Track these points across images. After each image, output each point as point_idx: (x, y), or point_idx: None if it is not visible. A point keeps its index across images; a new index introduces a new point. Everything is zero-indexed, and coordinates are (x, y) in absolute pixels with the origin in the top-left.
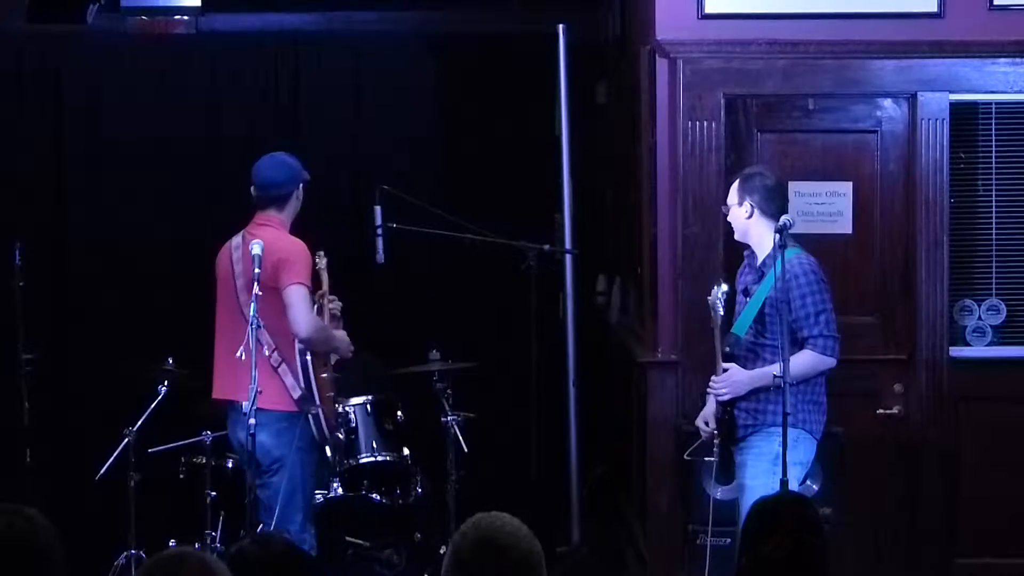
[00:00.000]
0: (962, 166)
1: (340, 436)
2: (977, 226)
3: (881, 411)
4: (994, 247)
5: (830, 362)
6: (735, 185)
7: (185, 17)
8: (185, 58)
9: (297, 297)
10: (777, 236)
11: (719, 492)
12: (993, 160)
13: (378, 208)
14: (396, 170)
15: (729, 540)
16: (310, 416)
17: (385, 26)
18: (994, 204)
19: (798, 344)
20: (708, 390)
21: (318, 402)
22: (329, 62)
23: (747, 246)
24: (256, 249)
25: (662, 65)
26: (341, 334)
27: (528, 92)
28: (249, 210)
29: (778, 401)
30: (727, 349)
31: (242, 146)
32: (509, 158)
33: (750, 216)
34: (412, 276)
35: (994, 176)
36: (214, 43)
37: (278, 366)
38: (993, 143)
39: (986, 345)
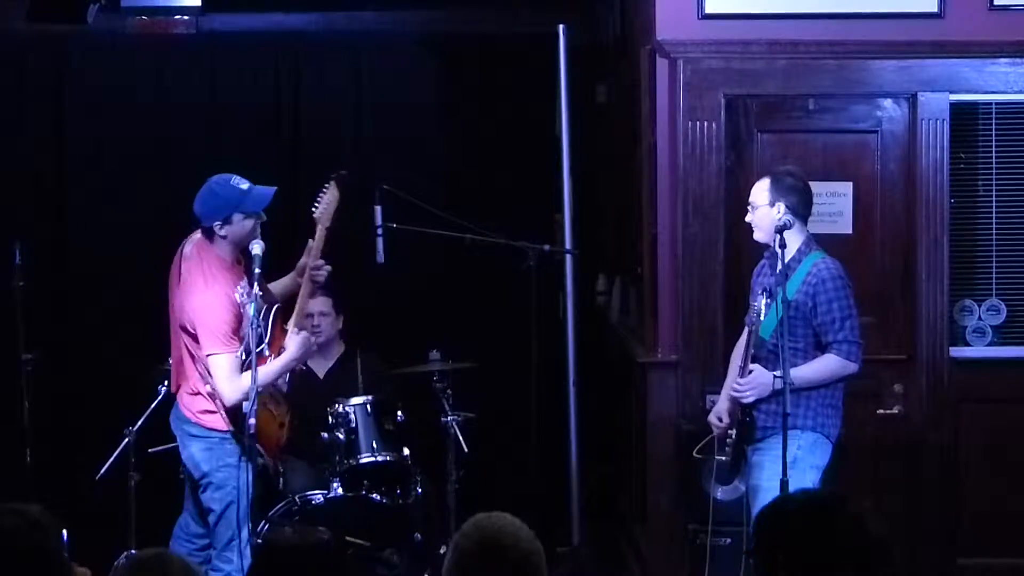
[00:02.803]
0: (962, 166)
1: (340, 436)
2: (977, 226)
3: (881, 411)
4: (994, 247)
5: (852, 367)
6: (764, 185)
7: (185, 17)
8: (185, 58)
9: (216, 368)
10: (777, 236)
11: (719, 492)
12: (993, 160)
13: (378, 208)
14: (396, 170)
15: (729, 540)
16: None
17: (385, 26)
18: (994, 204)
19: (821, 348)
20: (732, 392)
21: (255, 439)
22: (329, 62)
23: (767, 247)
24: (256, 249)
25: (662, 65)
26: (276, 366)
27: (528, 92)
28: None
29: (799, 404)
30: (751, 351)
31: (242, 146)
32: (509, 158)
33: (782, 216)
34: (412, 276)
35: (994, 176)
36: (214, 43)
37: (216, 398)
38: (993, 143)
39: (986, 345)
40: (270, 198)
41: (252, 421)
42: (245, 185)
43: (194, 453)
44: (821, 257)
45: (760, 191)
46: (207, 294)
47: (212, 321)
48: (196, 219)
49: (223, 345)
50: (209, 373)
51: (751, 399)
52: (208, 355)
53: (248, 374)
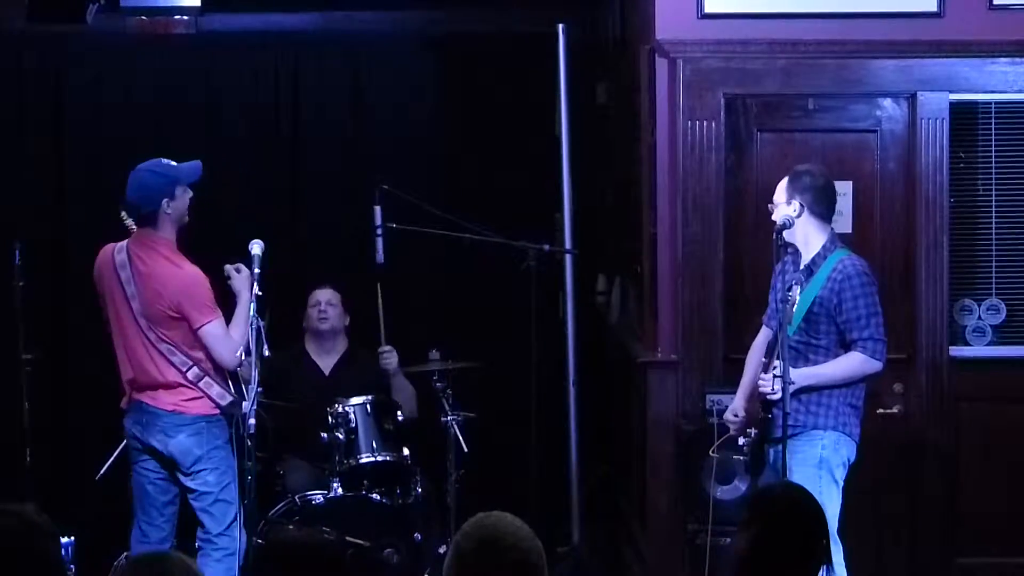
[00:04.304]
0: (962, 166)
1: (340, 436)
2: (977, 226)
3: (881, 411)
4: (994, 247)
5: (877, 366)
6: (783, 184)
7: (185, 17)
8: (185, 58)
9: (212, 336)
10: (776, 236)
11: (719, 492)
12: (993, 160)
13: (378, 208)
14: (396, 170)
15: (729, 540)
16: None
17: (385, 26)
18: (994, 204)
19: (845, 346)
20: (760, 389)
21: (244, 399)
22: (329, 62)
23: (791, 245)
24: (256, 249)
25: (662, 65)
26: (241, 313)
27: (528, 92)
28: (241, 209)
29: (820, 403)
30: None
31: (242, 146)
32: (509, 158)
33: (799, 215)
34: (412, 276)
35: (994, 176)
36: (214, 43)
37: (199, 380)
38: (993, 143)
39: (986, 345)
40: (200, 169)
41: (252, 421)
42: (174, 163)
43: (183, 441)
44: (847, 254)
45: (780, 190)
46: (182, 271)
47: (200, 293)
48: (135, 207)
49: (212, 312)
50: (196, 350)
51: (778, 395)
52: (203, 325)
53: (235, 329)
